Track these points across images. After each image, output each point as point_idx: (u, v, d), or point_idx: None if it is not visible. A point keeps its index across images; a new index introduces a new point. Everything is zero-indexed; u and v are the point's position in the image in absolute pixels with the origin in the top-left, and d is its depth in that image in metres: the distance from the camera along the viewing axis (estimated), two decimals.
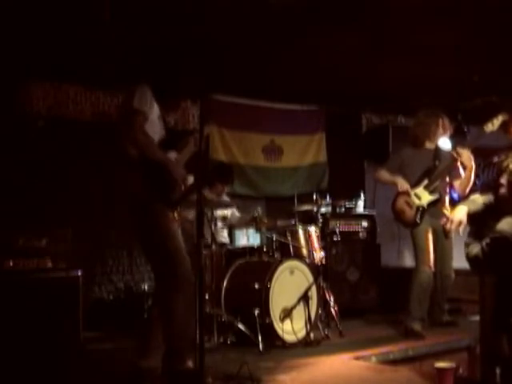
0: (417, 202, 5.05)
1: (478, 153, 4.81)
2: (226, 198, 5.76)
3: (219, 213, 5.49)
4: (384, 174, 5.32)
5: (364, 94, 6.71)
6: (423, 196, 5.05)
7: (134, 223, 3.53)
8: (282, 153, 7.12)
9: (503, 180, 3.58)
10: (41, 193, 5.42)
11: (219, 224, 5.57)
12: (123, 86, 3.85)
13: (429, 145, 5.23)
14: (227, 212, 5.81)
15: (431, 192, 5.05)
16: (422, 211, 5.03)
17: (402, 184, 5.13)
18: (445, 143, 5.29)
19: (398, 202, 5.14)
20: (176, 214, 3.59)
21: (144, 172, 3.43)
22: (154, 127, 3.47)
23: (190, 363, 3.35)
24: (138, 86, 3.43)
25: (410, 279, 5.06)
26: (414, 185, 5.11)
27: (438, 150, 5.19)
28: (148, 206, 3.44)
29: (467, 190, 4.74)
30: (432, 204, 5.05)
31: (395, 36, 4.99)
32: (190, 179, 3.69)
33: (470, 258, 3.62)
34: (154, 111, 3.47)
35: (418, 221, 5.02)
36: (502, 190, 3.58)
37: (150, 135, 3.43)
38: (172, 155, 3.57)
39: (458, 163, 4.81)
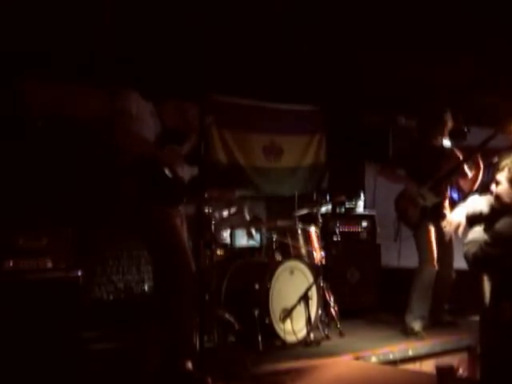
0: (422, 202, 5.03)
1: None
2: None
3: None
4: (390, 173, 5.31)
5: (364, 94, 6.71)
6: (428, 197, 5.04)
7: (134, 227, 3.53)
8: (282, 153, 7.11)
9: (501, 176, 3.57)
10: (41, 192, 5.41)
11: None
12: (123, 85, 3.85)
13: (434, 143, 5.21)
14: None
15: (436, 194, 5.04)
16: (426, 212, 5.02)
17: (411, 185, 5.10)
18: (448, 142, 5.29)
19: (402, 201, 5.13)
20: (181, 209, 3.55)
21: (137, 171, 3.41)
22: (145, 124, 3.47)
23: (190, 364, 3.35)
24: (120, 88, 3.45)
25: (412, 278, 5.06)
26: (419, 185, 5.10)
27: (443, 149, 5.18)
28: (145, 208, 3.43)
29: (474, 187, 4.76)
30: (436, 206, 5.05)
31: (395, 36, 4.98)
32: (194, 170, 3.66)
33: (468, 257, 3.63)
34: (143, 108, 3.47)
35: (422, 221, 5.01)
36: (501, 187, 3.57)
37: (142, 132, 3.42)
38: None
39: (465, 165, 4.82)
